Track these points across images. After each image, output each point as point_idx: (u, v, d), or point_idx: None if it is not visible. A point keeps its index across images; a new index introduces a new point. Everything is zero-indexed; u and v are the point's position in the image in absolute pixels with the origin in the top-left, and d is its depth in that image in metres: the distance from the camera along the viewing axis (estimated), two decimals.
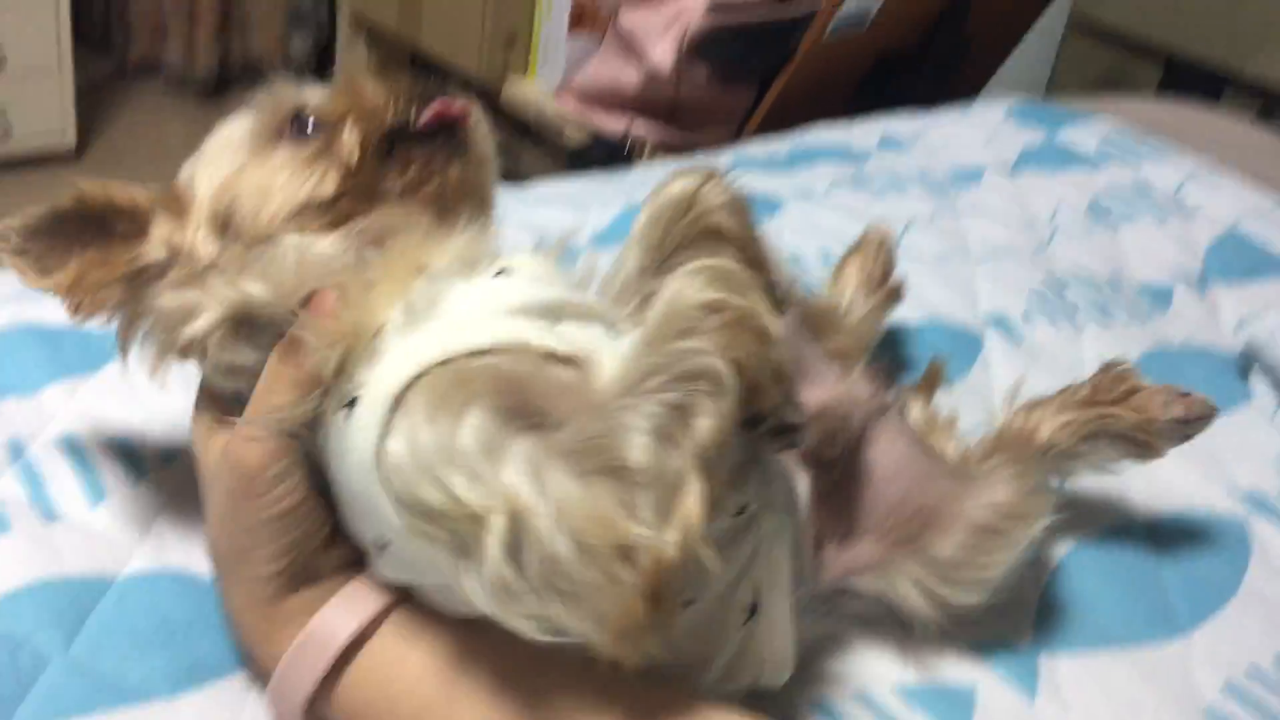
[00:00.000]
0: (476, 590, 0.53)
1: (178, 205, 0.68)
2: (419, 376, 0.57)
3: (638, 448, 0.52)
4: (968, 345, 1.14)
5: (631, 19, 1.99)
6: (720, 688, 0.69)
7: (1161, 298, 1.32)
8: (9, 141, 2.75)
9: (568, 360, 0.59)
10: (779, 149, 1.54)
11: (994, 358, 1.14)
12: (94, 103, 3.07)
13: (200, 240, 0.67)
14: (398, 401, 0.56)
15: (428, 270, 0.63)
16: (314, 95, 0.71)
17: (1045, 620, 0.87)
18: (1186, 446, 1.07)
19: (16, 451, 0.82)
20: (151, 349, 0.67)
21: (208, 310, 0.63)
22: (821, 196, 1.37)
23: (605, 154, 2.03)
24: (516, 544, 0.52)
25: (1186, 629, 0.88)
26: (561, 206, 1.27)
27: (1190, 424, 0.89)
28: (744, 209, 0.70)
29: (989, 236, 1.35)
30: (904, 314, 1.15)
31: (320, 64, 3.29)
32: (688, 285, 0.58)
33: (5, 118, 2.71)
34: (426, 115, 0.69)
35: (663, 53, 1.94)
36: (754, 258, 0.69)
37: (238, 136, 0.69)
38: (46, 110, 2.78)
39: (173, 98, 3.28)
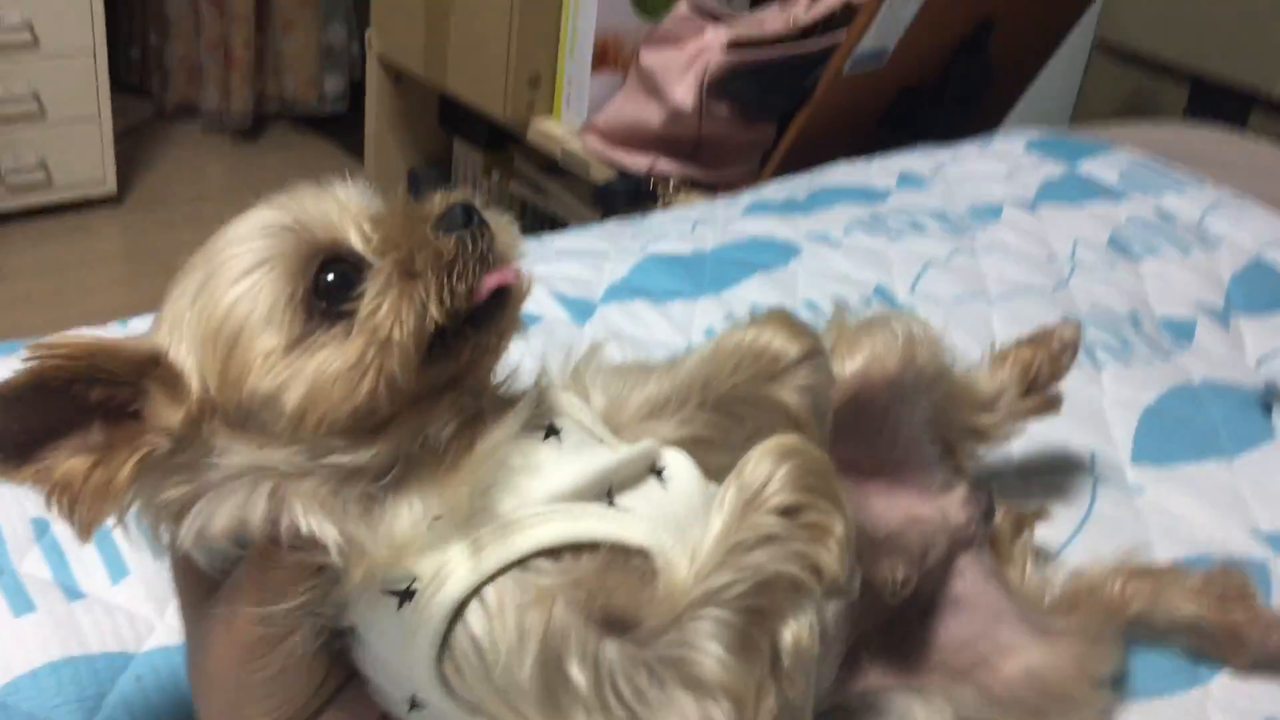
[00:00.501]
0: None
1: (169, 376, 0.55)
2: (488, 581, 0.55)
3: (715, 661, 0.54)
4: None
5: (652, 59, 2.01)
6: None
7: (1184, 332, 1.31)
8: (50, 190, 2.80)
9: (638, 552, 0.58)
10: (798, 189, 1.55)
11: None
12: (133, 147, 3.13)
13: (215, 434, 0.55)
14: (464, 605, 0.55)
15: (483, 459, 0.57)
16: (347, 223, 0.58)
17: None
18: (1208, 485, 1.08)
19: (41, 530, 0.85)
20: (138, 524, 0.57)
21: (221, 518, 0.55)
22: (839, 239, 1.38)
23: (630, 190, 2.04)
24: None
25: (1205, 679, 0.88)
26: (580, 260, 1.28)
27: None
28: (823, 396, 0.68)
29: (1007, 275, 1.35)
30: None
31: (354, 102, 3.34)
32: (767, 472, 0.58)
33: (45, 167, 2.76)
34: (483, 290, 0.57)
35: (684, 91, 1.95)
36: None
37: (244, 294, 0.55)
38: (87, 158, 2.83)
39: (210, 140, 3.33)
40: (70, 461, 0.53)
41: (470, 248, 0.57)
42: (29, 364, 0.52)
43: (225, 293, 0.55)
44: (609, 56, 2.22)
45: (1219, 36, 2.29)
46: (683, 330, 1.16)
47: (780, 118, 1.93)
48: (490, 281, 0.57)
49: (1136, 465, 1.10)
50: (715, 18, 1.99)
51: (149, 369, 0.55)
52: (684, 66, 1.95)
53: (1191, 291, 1.39)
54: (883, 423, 0.82)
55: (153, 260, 2.68)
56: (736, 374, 0.65)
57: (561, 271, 1.23)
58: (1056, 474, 1.07)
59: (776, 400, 0.65)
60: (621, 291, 1.21)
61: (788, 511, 0.57)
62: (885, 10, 1.72)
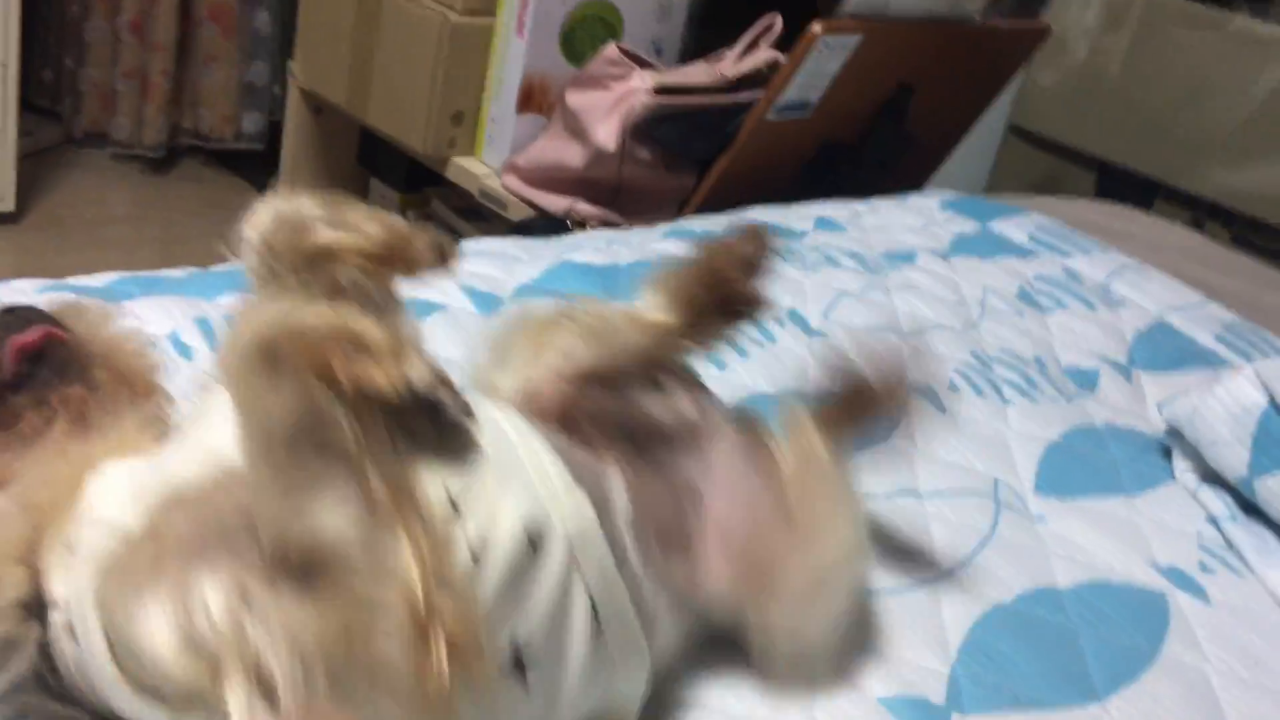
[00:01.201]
0: None
1: None
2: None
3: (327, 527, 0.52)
4: None
5: (578, 99, 2.01)
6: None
7: (1088, 380, 1.33)
8: None
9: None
10: (715, 224, 1.55)
11: (917, 423, 1.13)
12: (37, 169, 3.03)
13: None
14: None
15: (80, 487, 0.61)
16: None
17: (958, 679, 0.85)
18: (1109, 519, 1.08)
19: None
20: None
21: None
22: None
23: (547, 231, 2.03)
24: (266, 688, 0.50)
25: (1102, 696, 0.87)
26: (493, 261, 1.26)
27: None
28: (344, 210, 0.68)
29: (918, 313, 1.35)
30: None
31: (271, 142, 3.29)
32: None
33: None
34: (9, 356, 0.65)
35: (607, 133, 1.95)
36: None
37: None
38: None
39: (119, 168, 3.25)
40: None
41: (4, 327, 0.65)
42: None
43: None
44: (534, 99, 2.21)
45: (1125, 129, 2.37)
46: None
47: (700, 166, 1.94)
48: (25, 339, 0.65)
49: (1039, 495, 1.10)
50: (643, 64, 2.00)
51: None
52: (609, 108, 1.96)
53: (1096, 345, 1.41)
54: (612, 402, 0.80)
55: (45, 280, 2.59)
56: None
57: (473, 269, 1.20)
58: (959, 496, 1.06)
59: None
60: (532, 291, 1.19)
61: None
62: (811, 62, 1.75)
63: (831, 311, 1.29)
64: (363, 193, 2.76)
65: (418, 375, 0.56)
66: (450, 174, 2.30)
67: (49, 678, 0.59)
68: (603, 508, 0.69)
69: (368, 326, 0.56)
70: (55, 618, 0.58)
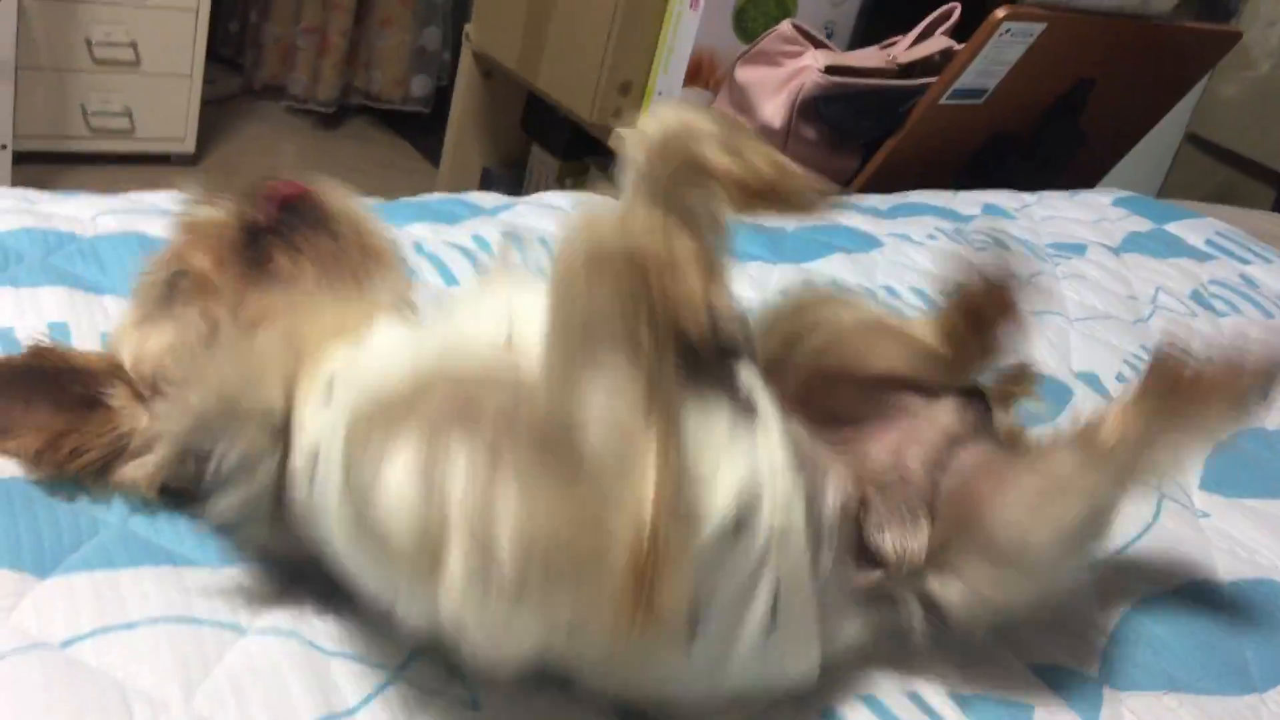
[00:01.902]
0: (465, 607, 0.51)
1: (123, 373, 0.70)
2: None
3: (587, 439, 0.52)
4: (1058, 394, 1.12)
5: (748, 74, 2.01)
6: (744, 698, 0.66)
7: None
8: (132, 139, 2.84)
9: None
10: (879, 203, 1.54)
11: (1083, 409, 1.11)
12: (216, 115, 3.17)
13: (147, 410, 0.68)
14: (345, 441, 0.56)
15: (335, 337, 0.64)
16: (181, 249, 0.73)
17: (1112, 657, 0.84)
18: (1276, 520, 1.05)
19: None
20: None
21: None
22: (921, 240, 1.36)
23: None
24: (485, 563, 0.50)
25: (1260, 689, 0.84)
26: None
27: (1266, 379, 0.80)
28: (739, 135, 0.62)
29: (1087, 301, 1.33)
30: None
31: (437, 107, 3.37)
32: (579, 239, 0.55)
33: (130, 115, 2.80)
34: (263, 206, 0.72)
35: (774, 109, 1.95)
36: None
37: (137, 313, 0.73)
38: (171, 115, 2.87)
39: (292, 120, 3.37)
40: (49, 431, 0.67)
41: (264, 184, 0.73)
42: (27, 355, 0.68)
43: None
44: (702, 73, 2.23)
45: None
46: (759, 289, 1.14)
47: (867, 148, 1.93)
48: (266, 193, 0.71)
49: (1204, 492, 1.07)
50: (817, 43, 1.99)
51: (113, 370, 0.69)
52: (778, 85, 1.96)
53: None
54: (851, 380, 0.79)
55: None
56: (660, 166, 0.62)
57: None
58: None
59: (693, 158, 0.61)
60: None
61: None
62: (991, 48, 1.72)
63: None
64: (523, 158, 2.81)
65: (724, 320, 0.58)
66: (613, 143, 2.32)
67: (276, 510, 0.61)
68: (813, 503, 0.67)
69: (693, 261, 0.55)
70: (298, 455, 0.60)
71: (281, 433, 0.61)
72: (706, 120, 0.61)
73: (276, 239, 0.70)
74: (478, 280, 0.76)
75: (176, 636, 0.60)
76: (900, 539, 0.71)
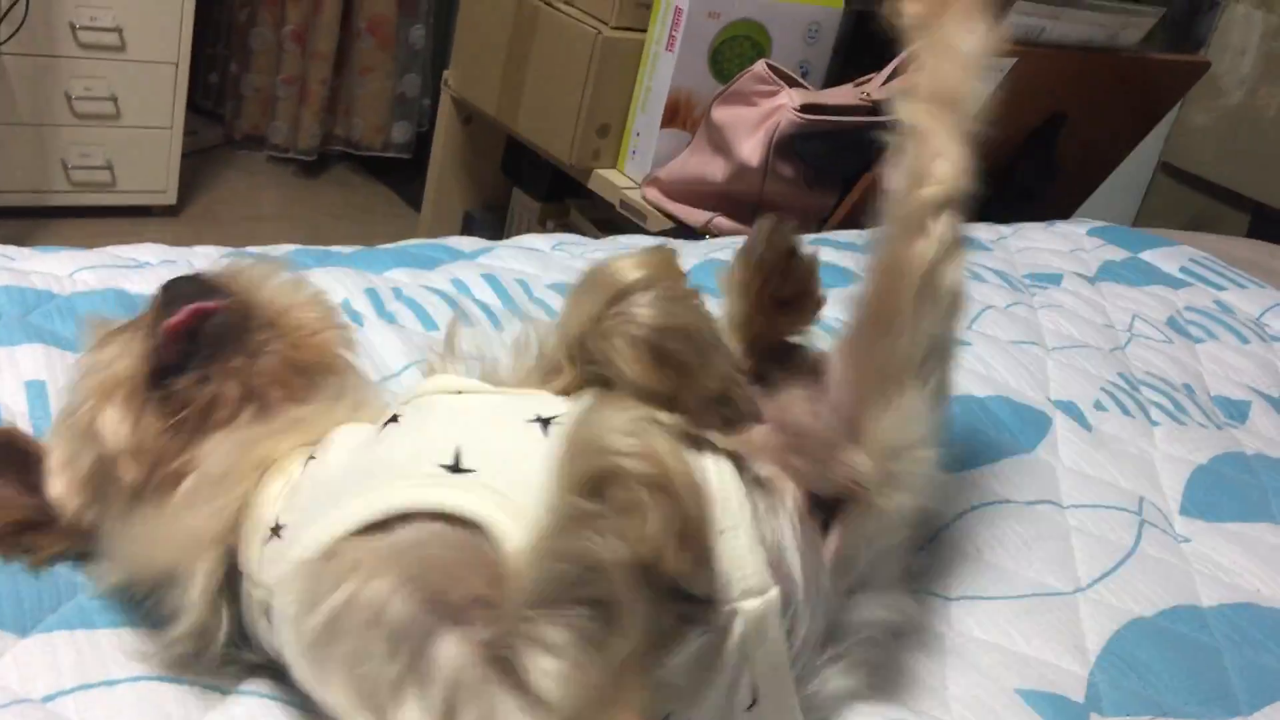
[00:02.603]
0: None
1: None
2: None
3: (548, 676, 0.50)
4: (1036, 423, 1.12)
5: (724, 114, 2.03)
6: None
7: (1238, 410, 1.30)
8: (113, 191, 2.84)
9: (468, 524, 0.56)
10: (858, 238, 1.55)
11: (1062, 437, 1.12)
12: (197, 166, 3.18)
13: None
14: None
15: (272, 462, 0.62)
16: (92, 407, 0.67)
17: (1098, 683, 0.84)
18: (1258, 544, 1.05)
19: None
20: None
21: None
22: None
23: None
24: None
25: (1245, 712, 0.85)
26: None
27: None
28: (685, 309, 0.64)
29: (1064, 330, 1.34)
30: (972, 388, 1.14)
31: (418, 153, 3.39)
32: (590, 435, 0.53)
33: (111, 168, 2.81)
34: (165, 344, 0.65)
35: (752, 148, 1.97)
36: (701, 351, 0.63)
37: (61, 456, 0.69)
38: (153, 167, 2.88)
39: (272, 169, 3.39)
40: None
41: (164, 305, 0.66)
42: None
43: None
44: (680, 115, 2.25)
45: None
46: None
47: (844, 184, 1.94)
48: (172, 320, 0.64)
49: (1185, 517, 1.08)
50: (791, 82, 2.01)
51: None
52: (754, 125, 1.98)
53: (1247, 377, 1.37)
54: None
55: (226, 248, 2.70)
56: (585, 304, 0.64)
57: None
58: (1102, 509, 1.04)
59: (614, 329, 0.62)
60: None
61: (609, 479, 0.52)
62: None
63: (976, 323, 1.29)
64: (504, 201, 2.82)
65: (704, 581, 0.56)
66: (592, 185, 2.34)
67: (238, 640, 0.62)
68: (797, 589, 0.66)
69: (696, 510, 0.53)
70: (250, 603, 0.60)
71: (225, 584, 0.61)
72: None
73: (185, 378, 0.64)
74: (421, 374, 0.72)
75: (159, 695, 0.60)
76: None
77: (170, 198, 2.95)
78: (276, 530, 0.59)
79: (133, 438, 0.64)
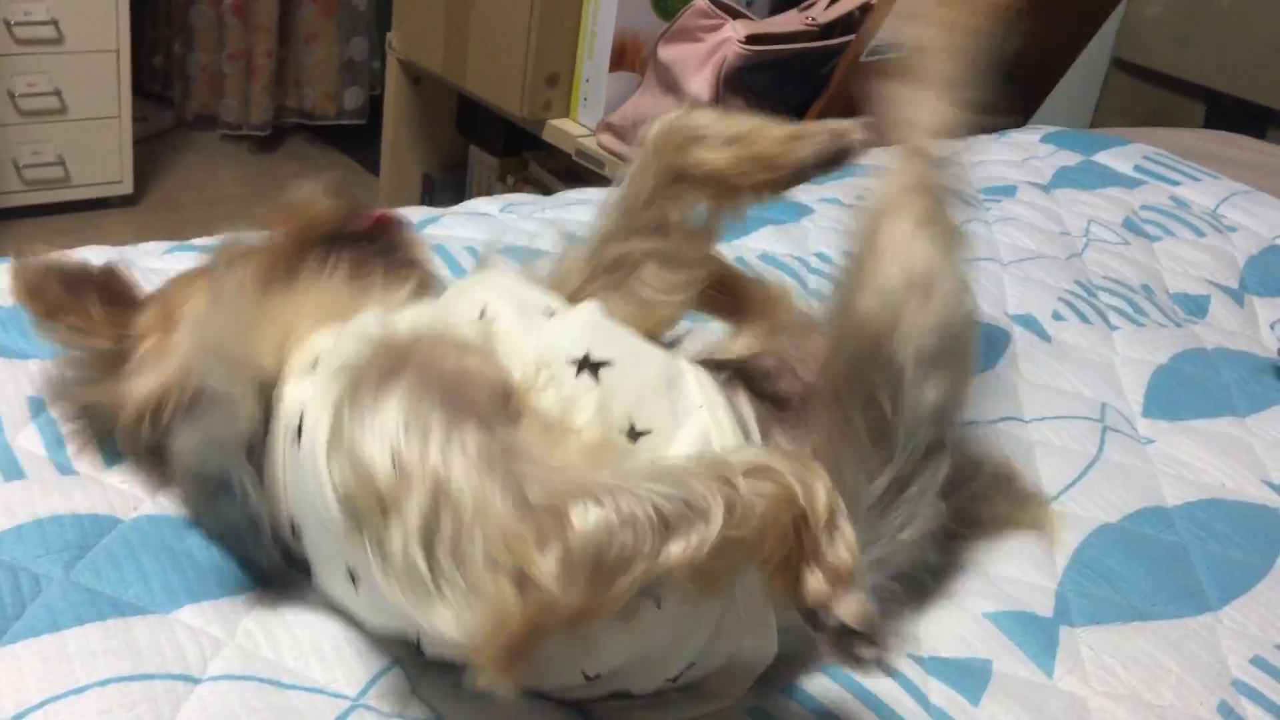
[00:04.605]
0: (388, 582, 0.52)
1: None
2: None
3: (594, 519, 0.50)
4: (994, 340, 1.13)
5: (670, 53, 2.01)
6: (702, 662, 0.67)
7: (1198, 306, 1.30)
8: (68, 187, 2.82)
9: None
10: None
11: (1022, 352, 1.13)
12: (152, 152, 3.14)
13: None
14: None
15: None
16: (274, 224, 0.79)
17: (1065, 595, 0.85)
18: (1219, 438, 1.06)
19: (37, 408, 0.83)
20: None
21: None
22: (851, 203, 1.37)
23: None
24: (429, 526, 0.51)
25: (1215, 607, 0.86)
26: (589, 209, 1.28)
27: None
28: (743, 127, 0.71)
29: (1020, 243, 1.34)
30: None
31: (373, 116, 3.36)
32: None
33: (64, 164, 2.78)
34: (360, 221, 0.79)
35: (700, 84, 1.95)
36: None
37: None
38: (105, 158, 2.85)
39: (228, 148, 3.35)
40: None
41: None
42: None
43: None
44: (627, 57, 2.22)
45: (1235, 57, 2.30)
46: None
47: (796, 112, 1.93)
48: (368, 215, 0.79)
49: (1147, 419, 1.09)
50: (734, 14, 1.99)
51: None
52: (702, 60, 1.96)
53: (1205, 271, 1.38)
54: None
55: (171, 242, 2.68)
56: (652, 165, 0.71)
57: (575, 217, 1.22)
58: (1064, 421, 1.05)
59: (688, 164, 0.70)
60: None
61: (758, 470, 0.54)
62: (904, 1, 1.72)
63: None
64: (462, 160, 2.80)
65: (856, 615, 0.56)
66: (547, 136, 2.32)
67: (251, 468, 0.66)
68: None
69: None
70: (279, 423, 0.65)
71: (263, 395, 0.66)
72: (706, 118, 0.69)
73: (347, 249, 0.75)
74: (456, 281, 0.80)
75: (128, 695, 0.61)
76: None
77: (127, 187, 2.92)
78: (314, 365, 0.65)
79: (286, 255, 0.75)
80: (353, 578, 0.62)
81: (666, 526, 0.51)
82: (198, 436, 0.67)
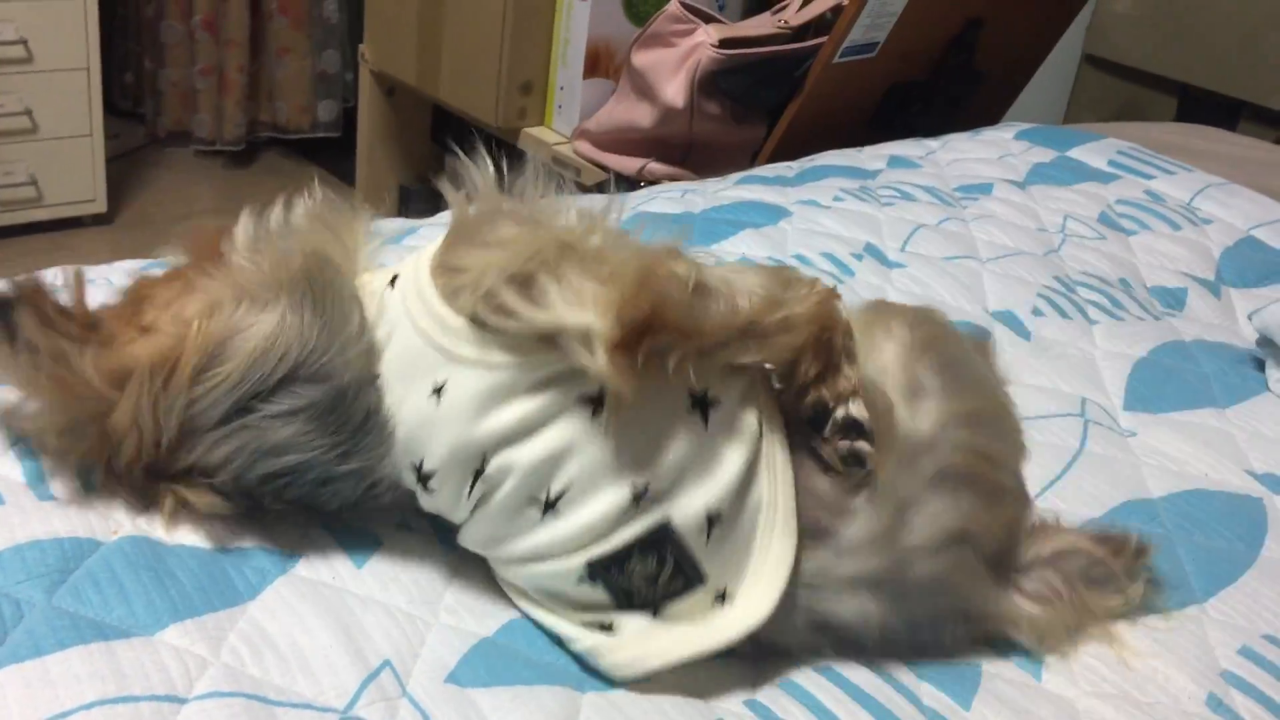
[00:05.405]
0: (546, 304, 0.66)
1: None
2: None
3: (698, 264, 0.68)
4: (977, 337, 1.13)
5: (644, 59, 2.02)
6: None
7: (1175, 299, 1.31)
8: (40, 206, 2.80)
9: None
10: (787, 170, 1.55)
11: (1002, 350, 1.13)
12: (125, 170, 3.13)
13: None
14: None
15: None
16: None
17: None
18: (1201, 429, 1.06)
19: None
20: None
21: None
22: (828, 205, 1.37)
23: (621, 190, 2.04)
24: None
25: (1201, 599, 0.86)
26: None
27: None
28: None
29: (997, 241, 1.34)
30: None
31: (347, 128, 3.35)
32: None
33: (36, 184, 2.76)
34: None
35: (675, 89, 1.96)
36: None
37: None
38: (78, 177, 2.83)
39: (202, 164, 3.34)
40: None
41: None
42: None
43: None
44: (601, 64, 2.23)
45: (1207, 49, 2.31)
46: None
47: (770, 115, 1.94)
48: None
49: (1128, 412, 1.10)
50: (706, 18, 2.00)
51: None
52: (675, 65, 1.96)
53: (1182, 264, 1.39)
54: None
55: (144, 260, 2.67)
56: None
57: None
58: (1046, 418, 1.05)
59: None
60: None
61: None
62: (874, 2, 1.73)
63: (909, 244, 1.29)
64: (439, 171, 2.79)
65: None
66: (522, 144, 2.32)
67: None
68: None
69: None
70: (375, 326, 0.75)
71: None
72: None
73: None
74: None
75: (114, 718, 0.60)
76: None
77: (100, 206, 2.90)
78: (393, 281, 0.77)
79: None
80: (424, 479, 0.72)
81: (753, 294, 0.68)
82: (333, 341, 0.72)
